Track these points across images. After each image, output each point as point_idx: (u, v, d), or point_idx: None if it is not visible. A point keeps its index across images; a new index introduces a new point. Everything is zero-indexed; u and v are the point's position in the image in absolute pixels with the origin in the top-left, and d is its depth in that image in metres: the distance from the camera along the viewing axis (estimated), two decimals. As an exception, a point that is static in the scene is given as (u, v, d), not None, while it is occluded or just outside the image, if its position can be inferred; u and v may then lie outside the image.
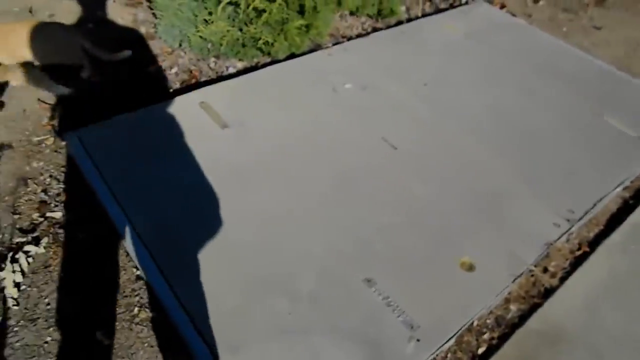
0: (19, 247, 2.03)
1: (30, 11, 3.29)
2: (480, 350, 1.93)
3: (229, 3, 2.99)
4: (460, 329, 1.88)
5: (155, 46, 3.26)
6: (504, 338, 1.95)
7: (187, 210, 2.11)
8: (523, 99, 3.04)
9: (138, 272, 1.99)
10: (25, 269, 1.96)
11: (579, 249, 2.32)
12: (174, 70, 3.12)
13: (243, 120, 2.57)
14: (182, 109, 2.59)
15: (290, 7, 3.03)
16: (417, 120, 2.77)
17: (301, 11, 3.13)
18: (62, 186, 2.32)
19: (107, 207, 2.12)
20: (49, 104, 2.72)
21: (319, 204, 2.23)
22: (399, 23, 3.82)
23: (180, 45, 3.20)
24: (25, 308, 1.86)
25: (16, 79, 2.74)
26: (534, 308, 2.05)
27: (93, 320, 1.85)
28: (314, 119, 2.66)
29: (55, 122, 2.63)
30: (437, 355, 1.82)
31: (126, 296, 1.93)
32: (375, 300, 1.91)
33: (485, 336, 1.97)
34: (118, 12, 3.44)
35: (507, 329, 2.00)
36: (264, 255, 2.00)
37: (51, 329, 1.81)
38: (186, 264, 1.92)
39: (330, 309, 1.86)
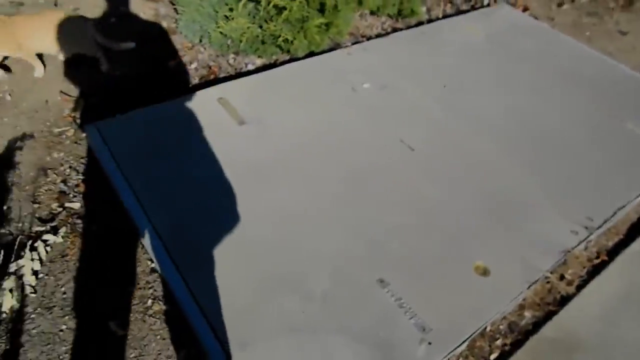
0: (38, 235, 2.06)
1: (55, 4, 3.34)
2: (493, 356, 1.91)
3: (251, 0, 3.00)
4: (472, 334, 1.86)
5: (175, 41, 3.28)
6: (517, 345, 1.92)
7: (203, 205, 2.12)
8: (543, 103, 3.00)
9: (152, 265, 2.01)
10: (44, 258, 1.99)
11: (598, 257, 2.28)
12: (193, 66, 3.14)
13: (261, 117, 2.58)
14: (200, 104, 2.61)
15: (310, 5, 3.03)
16: (435, 122, 2.75)
17: (321, 9, 3.13)
18: (81, 177, 2.35)
19: (124, 199, 2.15)
20: (71, 96, 2.76)
21: (335, 204, 2.22)
22: (420, 24, 3.79)
23: (200, 40, 3.22)
24: (42, 296, 1.89)
25: (39, 71, 2.79)
26: (549, 315, 2.02)
27: (107, 311, 1.87)
28: (331, 117, 2.66)
29: (76, 114, 2.67)
30: (448, 359, 1.80)
31: (140, 288, 1.95)
32: (388, 302, 1.90)
33: (498, 342, 1.95)
34: (140, 7, 3.48)
35: (521, 335, 1.97)
36: (277, 254, 2.00)
37: (66, 317, 1.84)
38: (200, 259, 1.94)
39: (342, 309, 1.86)
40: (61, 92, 2.77)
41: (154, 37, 3.27)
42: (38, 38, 2.62)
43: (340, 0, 3.06)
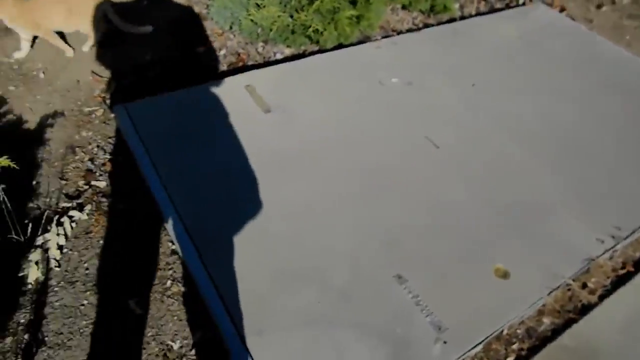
0: (65, 211, 2.11)
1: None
2: (508, 360, 1.88)
3: (282, -11, 2.99)
4: (489, 336, 1.84)
5: (206, 27, 3.30)
6: (533, 350, 1.89)
7: (226, 191, 2.14)
8: (576, 109, 2.91)
9: (173, 247, 2.04)
10: (69, 233, 2.04)
11: (623, 267, 2.22)
12: (222, 52, 3.15)
13: (286, 106, 2.58)
14: (227, 90, 2.62)
15: (342, -4, 3.00)
16: (461, 121, 2.70)
17: (353, 1, 3.10)
18: (108, 157, 2.40)
19: (149, 180, 2.18)
20: (102, 77, 2.80)
21: (357, 198, 2.22)
22: (452, 20, 3.72)
23: (230, 27, 3.23)
24: (66, 270, 1.94)
25: (69, 51, 2.83)
26: (568, 323, 1.98)
27: (127, 289, 1.91)
28: (358, 111, 2.64)
29: (106, 95, 2.71)
30: (463, 359, 1.79)
31: (160, 269, 1.98)
32: (405, 299, 1.89)
33: (515, 346, 1.92)
34: (173, -8, 3.50)
35: (538, 341, 1.94)
36: (297, 245, 2.01)
37: (88, 292, 1.88)
38: (221, 244, 1.95)
39: (358, 303, 1.85)
40: (93, 72, 2.82)
41: (185, 22, 3.29)
42: (54, 16, 2.66)
43: (373, -8, 3.03)
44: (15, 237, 1.92)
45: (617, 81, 3.17)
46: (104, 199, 2.21)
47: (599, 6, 4.21)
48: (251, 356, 1.66)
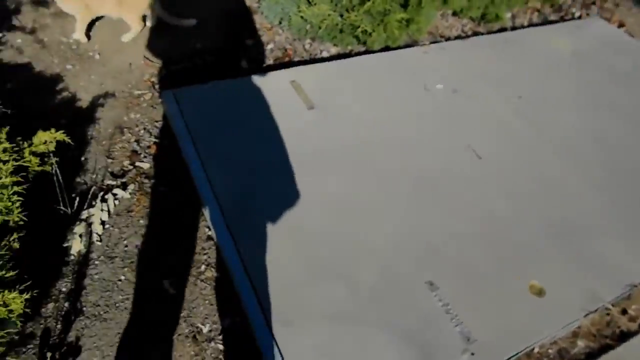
0: (109, 189, 2.19)
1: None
2: (537, 380, 1.84)
3: (334, -13, 3.00)
4: (519, 353, 1.80)
5: (256, 21, 3.35)
6: (565, 373, 1.84)
7: (265, 182, 2.17)
8: (628, 128, 2.81)
9: (209, 233, 2.08)
10: (111, 210, 2.11)
11: (666, 297, 2.13)
12: (269, 47, 3.19)
13: (330, 104, 2.59)
14: (273, 84, 2.65)
15: (394, -1, 2.99)
16: (506, 132, 2.65)
17: (404, 5, 3.08)
18: (153, 140, 2.46)
19: (190, 165, 2.23)
20: (153, 62, 2.88)
21: (394, 200, 2.21)
22: (502, 30, 3.66)
23: (280, 22, 3.26)
24: (106, 246, 2.01)
25: (126, 36, 2.92)
26: (604, 349, 1.91)
27: (162, 269, 1.96)
28: (401, 114, 2.63)
29: (155, 79, 2.79)
30: (490, 374, 1.75)
31: (196, 253, 2.03)
32: (435, 305, 1.87)
33: (545, 367, 1.87)
34: (226, -16, 3.56)
35: (570, 364, 1.89)
36: (331, 241, 2.01)
37: (125, 269, 1.94)
38: (256, 233, 1.98)
39: (388, 304, 1.84)
40: (144, 57, 2.90)
41: (236, 14, 3.35)
42: (106, 1, 2.74)
43: (426, -3, 3.00)
44: (63, 209, 1.99)
45: (674, 104, 3.04)
46: (146, 180, 2.27)
47: (659, 25, 4.04)
48: (278, 346, 1.68)
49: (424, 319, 1.82)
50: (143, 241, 2.04)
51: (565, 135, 2.68)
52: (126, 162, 2.34)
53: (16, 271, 1.48)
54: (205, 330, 1.81)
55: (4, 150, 1.70)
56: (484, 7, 3.49)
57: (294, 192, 2.15)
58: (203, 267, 1.98)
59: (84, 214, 2.03)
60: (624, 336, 1.95)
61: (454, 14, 3.65)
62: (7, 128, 1.75)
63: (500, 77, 3.02)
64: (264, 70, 2.97)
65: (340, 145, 2.39)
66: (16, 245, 1.52)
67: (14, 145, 1.75)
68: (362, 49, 3.25)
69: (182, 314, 1.84)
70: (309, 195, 2.15)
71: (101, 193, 2.14)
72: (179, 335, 1.79)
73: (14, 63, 2.66)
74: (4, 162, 1.66)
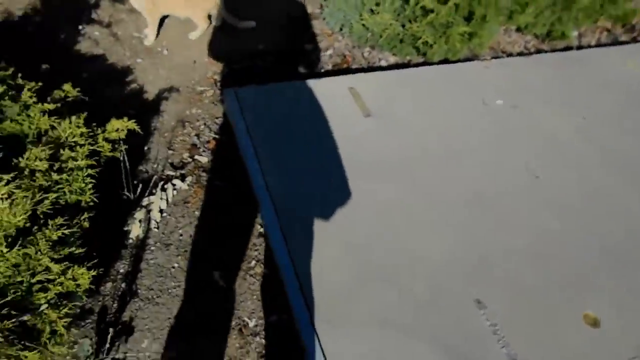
0: (169, 179, 2.28)
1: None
2: (585, 414, 1.76)
3: (399, -3, 3.01)
4: (568, 383, 1.74)
5: (316, 26, 3.40)
6: (616, 409, 1.76)
7: (318, 185, 2.20)
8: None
9: (262, 230, 2.12)
10: (170, 200, 2.19)
11: None
12: (328, 52, 3.23)
13: (387, 113, 2.59)
14: (331, 89, 2.69)
15: (458, 12, 2.97)
16: (567, 153, 2.57)
17: (468, 18, 3.05)
18: (213, 135, 2.54)
19: (247, 163, 2.29)
20: (216, 60, 2.98)
21: (447, 212, 2.18)
22: (568, 48, 3.55)
23: (340, 29, 3.30)
24: (163, 233, 2.09)
25: (150, 41, 3.02)
26: (661, 389, 1.81)
27: (214, 261, 2.02)
28: (458, 127, 2.60)
29: (217, 77, 2.88)
30: (536, 401, 1.70)
31: (247, 248, 2.08)
32: (482, 324, 1.83)
33: (595, 400, 1.79)
34: (291, -11, 3.64)
35: (622, 401, 1.80)
36: (383, 247, 2.01)
37: (179, 257, 2.01)
38: (307, 234, 2.01)
39: (434, 317, 1.83)
40: (209, 56, 3.00)
41: (298, 19, 3.41)
42: (174, 1, 2.85)
43: (491, 11, 2.96)
44: (127, 194, 2.09)
45: None
46: (204, 174, 2.35)
47: None
48: (321, 346, 1.69)
49: (470, 337, 1.79)
50: (197, 232, 2.11)
51: (628, 160, 2.57)
52: (186, 155, 2.43)
53: (85, 249, 1.56)
54: (251, 324, 1.85)
55: (81, 135, 1.80)
56: (550, 24, 3.40)
57: (347, 196, 2.16)
58: (253, 262, 2.03)
59: (145, 201, 2.13)
60: (684, 378, 1.84)
61: (518, 29, 3.58)
62: (85, 114, 1.85)
63: (564, 97, 2.93)
64: (322, 75, 3.01)
65: (396, 155, 2.39)
66: (86, 224, 1.61)
67: (90, 130, 1.86)
68: (421, 60, 3.23)
69: (230, 307, 1.89)
70: (361, 201, 2.16)
71: (161, 182, 2.23)
72: (226, 327, 1.84)
73: (90, 54, 2.83)
74: (81, 146, 1.76)
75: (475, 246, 2.07)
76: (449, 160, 2.41)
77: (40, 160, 1.61)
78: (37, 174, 1.58)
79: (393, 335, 1.76)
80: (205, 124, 2.61)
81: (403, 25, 3.07)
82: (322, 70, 3.10)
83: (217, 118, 2.64)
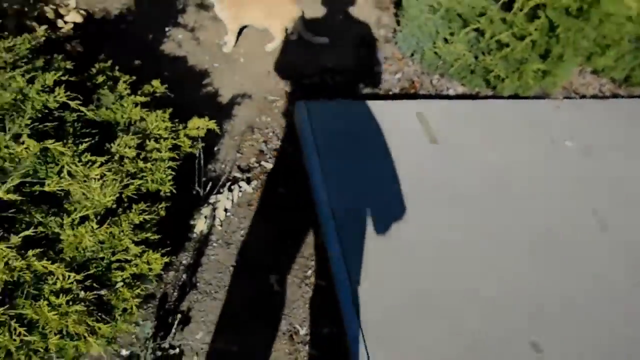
0: (235, 180, 2.36)
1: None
2: None
3: (475, 29, 3.02)
4: None
5: (387, 49, 3.45)
6: None
7: (381, 204, 2.21)
8: None
9: (320, 241, 2.16)
10: (235, 200, 2.27)
11: None
12: (397, 76, 3.27)
13: (453, 142, 2.59)
14: (399, 112, 2.71)
15: (535, 49, 2.94)
16: (638, 204, 2.47)
17: (544, 56, 3.02)
18: (279, 144, 2.62)
19: (311, 174, 2.34)
20: (289, 73, 3.08)
21: (507, 251, 2.14)
22: (645, 96, 3.43)
23: (412, 55, 3.34)
24: (225, 231, 2.16)
25: (229, 48, 3.13)
26: None
27: (271, 265, 2.06)
28: (525, 164, 2.56)
29: (288, 89, 2.98)
30: None
31: (305, 257, 2.11)
32: (537, 368, 1.78)
33: None
34: (365, 12, 3.72)
35: None
36: (439, 276, 2.00)
37: (239, 256, 2.07)
38: (366, 253, 2.02)
39: (487, 356, 1.78)
40: (282, 67, 3.11)
41: (370, 41, 3.48)
42: (256, 13, 2.98)
43: (569, 51, 2.92)
44: (197, 189, 2.18)
45: None
46: (268, 180, 2.42)
47: None
48: (371, 366, 1.69)
49: (523, 379, 1.74)
50: (257, 234, 2.17)
51: None
52: (253, 160, 2.51)
53: (159, 236, 1.64)
54: (302, 332, 1.87)
55: (165, 129, 1.91)
56: (630, 69, 3.31)
57: (408, 220, 2.16)
58: (310, 272, 2.06)
59: (212, 199, 2.21)
60: None
61: (594, 71, 3.50)
62: (171, 110, 1.96)
63: (638, 145, 2.83)
64: (389, 97, 3.05)
65: (461, 184, 2.38)
66: (162, 212, 1.69)
67: (173, 125, 1.96)
68: (489, 92, 3.22)
69: (283, 312, 1.92)
70: (421, 227, 2.16)
71: (228, 183, 2.32)
72: (277, 331, 1.87)
73: (173, 55, 2.99)
74: (164, 139, 1.87)
75: (534, 288, 2.02)
76: (513, 197, 2.38)
77: (129, 147, 1.72)
78: (126, 160, 1.69)
79: (443, 366, 1.74)
80: (273, 132, 2.69)
81: (476, 57, 3.07)
82: (390, 93, 3.14)
83: (285, 128, 2.72)
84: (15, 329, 1.24)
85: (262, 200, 2.31)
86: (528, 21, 2.84)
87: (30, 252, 1.30)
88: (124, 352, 1.72)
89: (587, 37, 2.86)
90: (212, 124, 2.00)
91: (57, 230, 1.43)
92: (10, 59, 1.64)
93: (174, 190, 1.77)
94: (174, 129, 1.96)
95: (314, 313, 1.93)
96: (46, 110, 1.61)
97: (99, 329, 1.38)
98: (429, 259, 2.05)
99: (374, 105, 2.76)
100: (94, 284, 1.40)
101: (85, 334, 1.30)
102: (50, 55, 1.85)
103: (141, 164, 1.71)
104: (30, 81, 1.59)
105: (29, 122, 1.52)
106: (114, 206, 1.55)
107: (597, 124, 2.94)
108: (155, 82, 2.10)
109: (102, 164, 1.56)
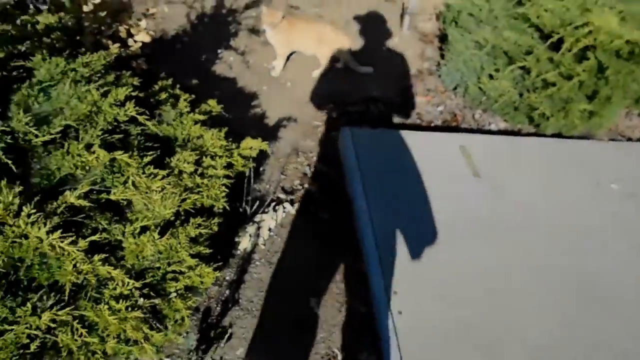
0: (280, 201, 2.40)
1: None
2: None
3: (521, 67, 3.05)
4: None
5: (430, 82, 3.50)
6: None
7: (421, 234, 2.21)
8: None
9: (361, 266, 2.17)
10: (279, 220, 2.31)
11: None
12: (439, 109, 3.31)
13: (497, 177, 2.58)
14: (442, 144, 2.74)
15: (582, 89, 2.94)
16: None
17: (590, 96, 3.01)
18: (323, 168, 2.67)
19: (355, 200, 2.37)
20: (333, 99, 3.15)
21: (551, 291, 2.10)
22: (693, 143, 3.36)
23: (455, 88, 3.37)
24: (268, 251, 2.20)
25: (277, 72, 3.22)
26: None
27: (312, 288, 2.08)
28: (568, 206, 2.52)
29: (332, 115, 3.04)
30: None
31: (345, 282, 2.12)
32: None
33: None
34: (410, 44, 3.79)
35: None
36: (479, 311, 1.97)
37: (280, 276, 2.10)
38: (407, 281, 2.02)
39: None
40: (327, 94, 3.19)
41: (414, 73, 3.54)
42: (307, 40, 3.10)
43: (617, 93, 2.90)
44: (245, 206, 2.24)
45: None
46: (311, 203, 2.46)
47: None
48: (410, 398, 1.67)
49: None
50: (300, 257, 2.19)
51: None
52: (296, 182, 2.56)
53: (211, 250, 1.69)
54: (339, 357, 1.87)
55: (220, 147, 1.98)
56: (678, 115, 3.27)
57: (449, 251, 2.16)
58: (350, 296, 2.06)
59: (257, 218, 2.26)
60: None
61: (640, 115, 3.47)
62: (226, 129, 2.04)
63: (686, 193, 2.77)
64: (430, 129, 3.08)
65: (503, 220, 2.36)
66: (215, 228, 1.75)
67: (227, 144, 2.03)
68: (532, 129, 3.21)
69: (321, 335, 1.93)
70: (462, 259, 2.15)
71: (273, 203, 2.36)
72: (315, 354, 1.88)
73: (223, 76, 3.11)
74: (219, 157, 1.93)
75: (575, 331, 1.97)
76: (556, 237, 2.34)
77: (188, 163, 1.79)
78: (184, 175, 1.76)
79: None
80: (317, 156, 2.74)
81: (520, 94, 3.09)
82: (432, 125, 3.17)
83: (328, 153, 2.77)
84: (77, 329, 1.29)
85: (305, 222, 2.34)
86: (576, 61, 2.86)
87: (96, 257, 1.36)
88: (167, 362, 1.75)
89: (638, 80, 2.85)
90: (264, 145, 2.06)
91: (119, 237, 1.49)
92: (87, 73, 1.74)
93: (227, 207, 1.83)
94: (227, 147, 2.03)
95: (352, 338, 1.93)
96: (115, 123, 1.69)
97: (152, 336, 1.41)
98: (471, 292, 2.03)
99: (418, 136, 2.79)
100: (150, 292, 1.44)
101: (142, 340, 1.34)
102: (120, 72, 1.96)
103: (198, 180, 1.78)
104: (104, 95, 1.69)
105: (100, 133, 1.61)
106: (172, 218, 1.61)
107: (643, 168, 2.89)
108: (212, 102, 2.19)
109: (163, 177, 1.63)
